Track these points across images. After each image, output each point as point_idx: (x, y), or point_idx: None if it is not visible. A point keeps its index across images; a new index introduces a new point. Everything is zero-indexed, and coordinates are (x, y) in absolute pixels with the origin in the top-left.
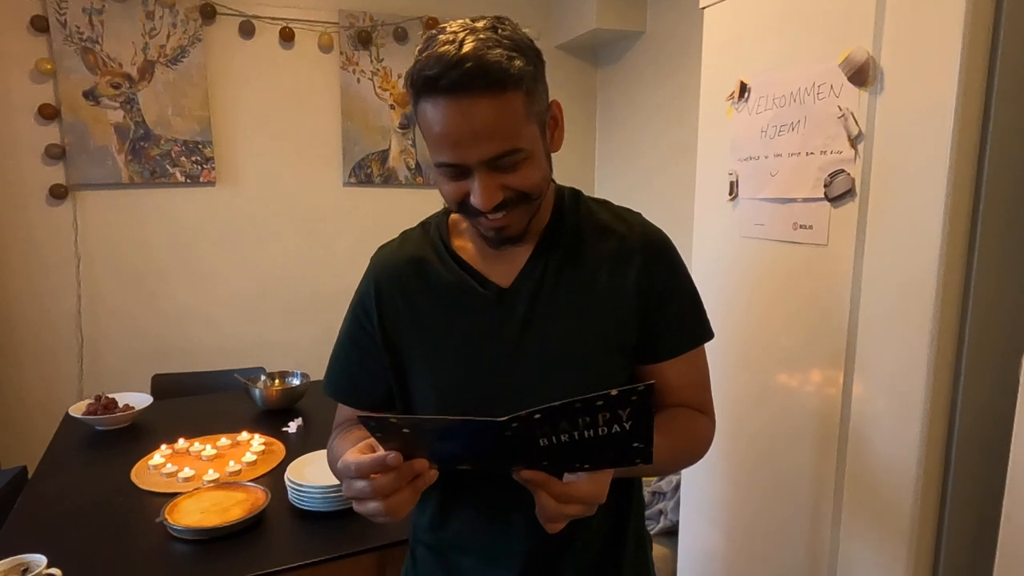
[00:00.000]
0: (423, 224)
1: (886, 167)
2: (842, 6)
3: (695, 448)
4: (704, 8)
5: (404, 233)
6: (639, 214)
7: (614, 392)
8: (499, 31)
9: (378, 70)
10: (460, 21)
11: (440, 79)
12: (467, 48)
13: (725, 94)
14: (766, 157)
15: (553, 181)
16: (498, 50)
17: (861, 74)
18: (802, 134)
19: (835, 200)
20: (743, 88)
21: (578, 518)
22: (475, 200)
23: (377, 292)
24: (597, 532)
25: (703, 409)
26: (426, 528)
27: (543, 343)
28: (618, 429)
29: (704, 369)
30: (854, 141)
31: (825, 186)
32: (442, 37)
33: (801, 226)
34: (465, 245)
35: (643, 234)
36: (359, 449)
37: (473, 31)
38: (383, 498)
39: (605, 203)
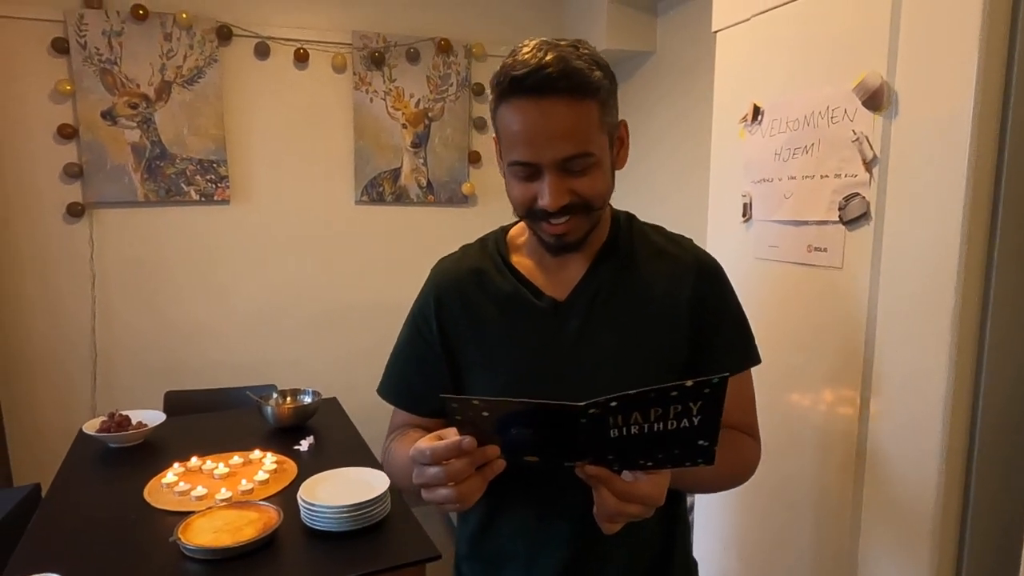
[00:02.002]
0: (481, 240)
1: (901, 191)
2: (856, 30)
3: (742, 468)
4: (717, 32)
5: (464, 247)
6: (690, 239)
7: (689, 383)
8: (579, 49)
9: (391, 90)
10: (541, 39)
11: (526, 79)
12: (551, 56)
13: (738, 116)
14: (780, 179)
15: (610, 205)
16: (580, 61)
17: (875, 99)
18: (816, 157)
19: (850, 223)
20: (756, 111)
21: (635, 519)
22: (543, 200)
23: (437, 302)
24: (644, 552)
25: (750, 432)
26: (470, 537)
27: (596, 356)
28: (687, 424)
29: (751, 393)
30: (869, 165)
31: (840, 209)
32: (526, 49)
33: (816, 248)
34: (523, 260)
35: (695, 257)
36: (430, 438)
37: (556, 46)
38: (455, 484)
39: (658, 227)
